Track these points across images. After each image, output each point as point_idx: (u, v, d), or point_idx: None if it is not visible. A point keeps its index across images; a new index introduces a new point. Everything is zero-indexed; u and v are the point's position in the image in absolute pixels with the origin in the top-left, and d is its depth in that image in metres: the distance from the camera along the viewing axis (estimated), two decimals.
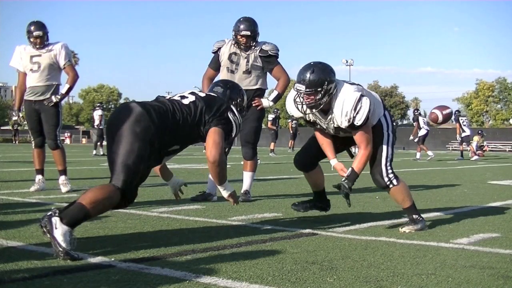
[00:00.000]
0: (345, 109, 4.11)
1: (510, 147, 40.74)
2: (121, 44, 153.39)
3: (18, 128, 42.32)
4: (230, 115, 3.92)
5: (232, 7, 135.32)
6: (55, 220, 3.20)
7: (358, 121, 4.11)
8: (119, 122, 3.56)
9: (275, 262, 3.18)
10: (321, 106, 4.16)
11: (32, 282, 2.73)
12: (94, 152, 20.96)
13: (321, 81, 4.06)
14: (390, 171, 4.44)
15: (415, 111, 22.01)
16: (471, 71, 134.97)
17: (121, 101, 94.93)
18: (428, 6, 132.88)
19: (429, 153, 19.34)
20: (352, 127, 4.17)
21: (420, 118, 20.47)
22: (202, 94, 4.01)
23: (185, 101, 3.85)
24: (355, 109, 4.08)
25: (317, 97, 4.09)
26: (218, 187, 4.00)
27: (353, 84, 4.30)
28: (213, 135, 3.81)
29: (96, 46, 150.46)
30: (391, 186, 4.42)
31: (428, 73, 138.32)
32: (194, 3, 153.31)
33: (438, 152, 20.69)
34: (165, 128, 3.64)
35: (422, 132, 20.00)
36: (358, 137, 4.26)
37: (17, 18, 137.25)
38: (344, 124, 4.16)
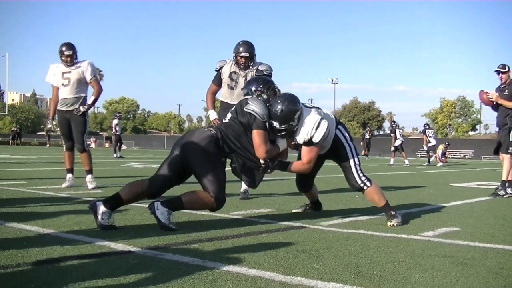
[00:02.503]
0: (307, 128, 4.13)
1: (468, 155, 40.86)
2: (141, 62, 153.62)
3: (51, 133, 42.29)
4: (246, 110, 4.08)
5: (235, 27, 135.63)
6: (157, 204, 3.79)
7: (316, 139, 4.14)
8: (193, 145, 3.95)
9: (270, 251, 3.19)
10: (295, 130, 4.19)
11: (64, 263, 2.74)
12: (115, 155, 20.97)
13: (292, 114, 4.09)
14: (361, 175, 4.43)
15: (393, 123, 21.74)
16: (437, 90, 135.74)
17: (139, 111, 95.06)
18: (401, 35, 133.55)
19: (406, 161, 19.54)
20: (309, 143, 4.17)
21: (397, 130, 20.53)
22: (233, 107, 4.30)
23: (226, 120, 4.23)
24: (315, 129, 4.11)
25: (293, 126, 4.15)
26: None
27: (312, 107, 4.32)
28: (253, 138, 4.06)
29: (118, 63, 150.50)
30: (365, 188, 4.41)
31: (401, 91, 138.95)
32: (205, 22, 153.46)
33: (408, 158, 20.70)
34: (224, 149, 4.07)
35: (397, 142, 20.12)
36: (306, 151, 4.21)
37: (51, 41, 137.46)
38: (302, 140, 4.17)
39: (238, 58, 6.02)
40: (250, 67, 6.04)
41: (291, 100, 4.14)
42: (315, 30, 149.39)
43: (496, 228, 4.43)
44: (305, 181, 4.88)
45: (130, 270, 2.64)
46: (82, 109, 6.90)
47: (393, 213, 4.40)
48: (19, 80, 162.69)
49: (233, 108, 4.30)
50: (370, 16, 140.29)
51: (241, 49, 6.00)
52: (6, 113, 66.15)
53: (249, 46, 6.03)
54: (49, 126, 7.73)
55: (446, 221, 4.71)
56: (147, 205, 3.86)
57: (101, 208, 3.80)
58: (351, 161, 4.44)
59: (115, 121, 22.46)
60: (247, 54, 5.98)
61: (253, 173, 4.23)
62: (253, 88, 4.33)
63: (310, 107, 4.33)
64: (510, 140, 7.36)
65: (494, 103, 7.44)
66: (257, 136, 4.03)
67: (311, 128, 4.11)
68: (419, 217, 4.91)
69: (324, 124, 4.14)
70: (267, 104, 4.15)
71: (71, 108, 6.91)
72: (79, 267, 2.71)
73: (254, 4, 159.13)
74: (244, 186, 6.14)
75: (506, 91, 7.38)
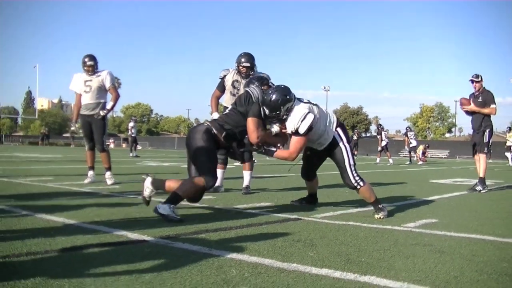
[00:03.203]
0: (294, 119, 4.10)
1: (445, 154, 40.84)
2: (154, 72, 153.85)
3: (74, 135, 42.34)
4: (245, 89, 4.31)
5: (237, 40, 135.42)
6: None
7: (301, 130, 4.10)
8: (191, 138, 4.08)
9: (269, 240, 3.18)
10: (284, 119, 4.18)
11: (86, 250, 2.75)
12: (131, 154, 20.95)
13: (279, 105, 4.10)
14: (355, 175, 4.37)
15: (379, 126, 21.53)
16: (417, 97, 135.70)
17: (152, 115, 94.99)
18: (385, 48, 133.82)
19: (390, 160, 19.50)
20: (296, 134, 4.15)
21: (383, 132, 20.45)
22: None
23: (227, 110, 4.43)
24: (301, 121, 4.08)
25: (279, 115, 4.15)
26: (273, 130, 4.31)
27: (307, 102, 4.27)
28: (247, 125, 4.16)
29: (135, 73, 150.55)
30: (358, 187, 4.36)
31: (385, 97, 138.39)
32: (207, 39, 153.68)
33: (392, 158, 20.67)
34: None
35: (383, 143, 20.06)
36: (294, 141, 4.20)
37: (75, 53, 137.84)
38: (290, 130, 4.16)
39: (240, 68, 6.03)
40: (250, 76, 6.04)
41: (282, 92, 4.16)
42: (309, 43, 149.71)
43: (469, 219, 4.42)
44: (308, 171, 4.83)
45: (145, 257, 2.63)
46: (102, 113, 6.90)
47: (380, 206, 4.38)
48: (47, 88, 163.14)
49: (233, 101, 4.48)
50: (361, 32, 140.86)
51: (243, 59, 6.02)
52: (36, 117, 66.41)
53: (250, 57, 6.05)
54: (72, 128, 7.75)
55: (426, 213, 4.70)
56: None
57: (148, 184, 4.07)
58: (346, 162, 4.36)
59: (131, 124, 22.48)
60: (248, 64, 6.00)
61: (244, 153, 4.43)
62: (255, 84, 4.47)
63: (306, 102, 4.27)
64: (485, 141, 7.38)
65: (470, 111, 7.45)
66: (251, 122, 4.13)
67: (297, 120, 4.09)
68: (402, 210, 4.90)
69: (310, 117, 4.09)
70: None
71: (92, 113, 6.92)
72: (99, 254, 2.71)
73: (259, 19, 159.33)
74: (245, 183, 6.14)
75: (480, 98, 7.40)
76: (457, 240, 3.42)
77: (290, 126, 4.14)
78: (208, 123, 4.22)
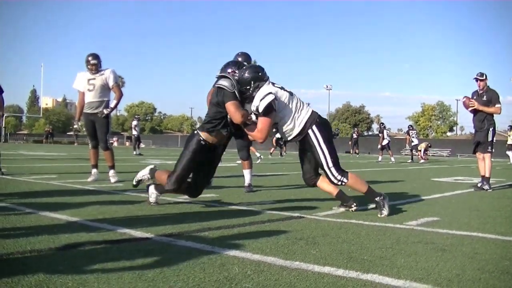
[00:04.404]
0: (257, 97, 4.13)
1: (446, 153, 40.78)
2: (158, 71, 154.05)
3: (78, 133, 42.43)
4: (217, 85, 4.28)
5: (239, 38, 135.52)
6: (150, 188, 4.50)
7: (260, 109, 4.12)
8: (184, 147, 4.31)
9: (272, 238, 3.17)
10: (253, 95, 4.19)
11: (89, 248, 2.74)
12: (134, 152, 20.96)
13: (249, 81, 4.18)
14: (336, 173, 4.26)
15: (381, 125, 21.31)
16: (418, 96, 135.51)
17: (156, 114, 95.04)
18: (387, 48, 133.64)
19: (392, 158, 19.44)
20: (259, 113, 4.16)
21: (385, 131, 20.36)
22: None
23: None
24: (260, 100, 4.10)
25: (249, 91, 4.20)
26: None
27: (280, 88, 4.26)
28: (228, 110, 4.17)
29: (138, 72, 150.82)
30: (343, 184, 4.29)
31: (387, 96, 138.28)
32: (208, 40, 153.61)
33: (394, 156, 20.62)
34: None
35: (385, 142, 19.99)
36: (259, 121, 4.18)
37: (78, 53, 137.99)
38: (254, 108, 4.19)
39: None
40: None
41: (254, 69, 4.27)
42: (311, 42, 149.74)
43: (471, 217, 4.41)
44: (306, 171, 4.54)
45: (148, 255, 2.63)
46: (105, 111, 6.90)
47: (377, 199, 4.32)
48: (52, 87, 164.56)
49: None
50: (363, 32, 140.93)
51: (239, 59, 6.00)
52: (41, 115, 66.62)
53: (246, 57, 6.05)
54: (75, 126, 7.76)
55: (427, 211, 4.68)
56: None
57: (151, 190, 4.49)
58: (325, 165, 4.26)
59: (134, 122, 22.49)
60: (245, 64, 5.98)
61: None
62: (229, 70, 4.41)
63: (278, 87, 4.27)
64: (489, 140, 7.33)
65: (472, 109, 7.41)
66: (230, 106, 4.16)
67: (258, 99, 4.12)
68: (404, 208, 4.89)
69: (269, 98, 4.09)
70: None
71: (95, 111, 6.92)
72: (103, 251, 2.70)
73: (261, 19, 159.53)
74: (247, 181, 6.14)
75: (485, 96, 7.34)
76: (459, 238, 3.40)
77: (253, 104, 4.19)
78: (197, 131, 4.32)
